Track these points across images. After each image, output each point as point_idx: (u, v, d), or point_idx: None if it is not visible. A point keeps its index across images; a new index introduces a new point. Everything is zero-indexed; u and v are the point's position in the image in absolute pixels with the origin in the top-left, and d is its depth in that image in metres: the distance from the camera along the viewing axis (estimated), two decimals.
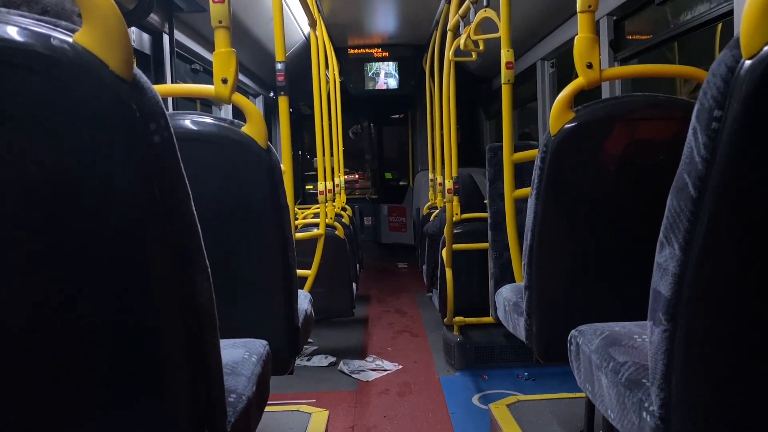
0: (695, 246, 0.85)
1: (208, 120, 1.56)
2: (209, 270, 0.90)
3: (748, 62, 0.76)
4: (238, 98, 1.61)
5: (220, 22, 1.61)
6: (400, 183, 9.13)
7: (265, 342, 1.35)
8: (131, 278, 0.80)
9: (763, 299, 0.85)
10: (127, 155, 0.76)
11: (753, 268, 0.84)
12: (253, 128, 1.54)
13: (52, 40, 0.72)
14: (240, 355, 1.22)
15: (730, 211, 0.83)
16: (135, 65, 0.78)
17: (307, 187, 8.70)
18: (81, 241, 0.77)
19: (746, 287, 0.85)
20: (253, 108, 1.59)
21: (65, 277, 0.78)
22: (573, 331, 1.38)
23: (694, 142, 0.83)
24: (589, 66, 1.59)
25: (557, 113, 1.58)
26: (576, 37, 1.61)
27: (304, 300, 1.91)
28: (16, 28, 0.72)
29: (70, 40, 0.73)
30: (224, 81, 1.58)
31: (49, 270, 0.77)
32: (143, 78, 0.78)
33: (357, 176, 9.32)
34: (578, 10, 1.61)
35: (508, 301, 1.97)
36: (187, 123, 1.53)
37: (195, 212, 0.86)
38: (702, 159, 0.81)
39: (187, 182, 0.84)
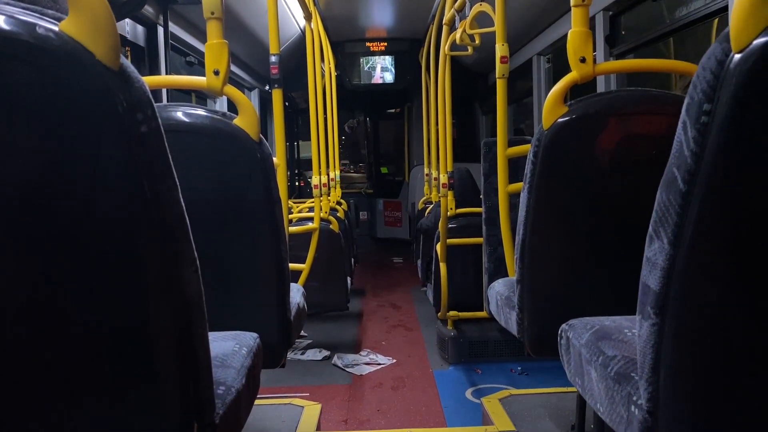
0: (684, 240, 0.85)
1: (199, 112, 1.56)
2: (198, 262, 0.89)
3: (737, 56, 0.76)
4: (230, 90, 1.61)
5: (213, 13, 1.60)
6: (396, 178, 9.12)
7: (255, 335, 1.34)
8: (118, 270, 0.80)
9: (750, 293, 0.85)
10: (114, 145, 0.76)
11: (741, 262, 0.84)
12: (245, 120, 1.53)
13: (37, 28, 0.71)
14: (230, 347, 1.21)
15: (719, 205, 0.83)
16: (123, 55, 0.77)
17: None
18: (66, 232, 0.77)
19: (734, 281, 0.86)
20: (246, 100, 1.59)
21: (51, 269, 0.77)
22: (563, 325, 1.38)
23: (684, 136, 0.83)
24: (583, 60, 1.59)
25: (550, 107, 1.58)
26: (569, 32, 1.61)
27: (296, 293, 1.91)
28: (2, 17, 0.71)
29: (56, 28, 0.72)
30: (216, 73, 1.58)
31: (34, 262, 0.77)
32: (130, 67, 0.77)
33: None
34: (572, 4, 1.61)
35: (501, 296, 1.97)
36: (179, 114, 1.52)
37: (183, 204, 0.85)
38: (691, 153, 0.81)
39: (175, 173, 0.83)
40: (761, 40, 0.74)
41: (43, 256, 0.77)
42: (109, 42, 0.74)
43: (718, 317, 0.88)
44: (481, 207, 3.18)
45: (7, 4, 0.75)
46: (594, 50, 1.65)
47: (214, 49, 1.58)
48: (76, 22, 0.73)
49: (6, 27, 0.71)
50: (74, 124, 0.74)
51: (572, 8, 1.61)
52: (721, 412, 0.90)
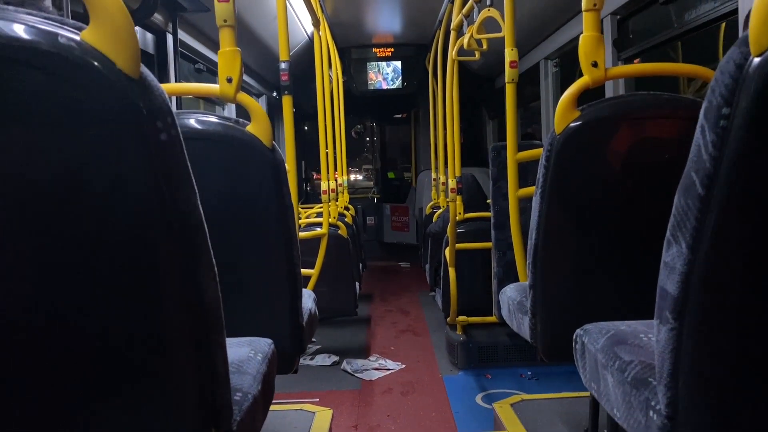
0: (703, 244, 0.85)
1: (212, 119, 1.56)
2: (215, 269, 0.90)
3: (756, 59, 0.76)
4: (243, 97, 1.61)
5: (225, 21, 1.61)
6: (403, 182, 9.13)
7: (270, 341, 1.35)
8: (138, 277, 0.80)
9: None
10: (135, 153, 0.76)
11: (761, 266, 0.84)
12: (257, 127, 1.54)
13: (59, 38, 0.72)
14: (245, 353, 1.22)
15: (739, 209, 0.82)
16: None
17: None
18: (88, 240, 0.77)
19: (754, 285, 0.85)
20: (258, 107, 1.59)
21: (72, 276, 0.78)
22: (578, 330, 1.38)
23: (702, 140, 0.82)
24: (594, 65, 1.59)
25: (562, 112, 1.58)
26: (581, 36, 1.61)
27: (308, 299, 1.91)
28: (23, 26, 0.72)
29: (78, 37, 0.73)
30: (229, 80, 1.58)
31: (55, 268, 0.77)
32: (150, 76, 0.78)
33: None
34: (583, 8, 1.61)
35: (513, 301, 1.97)
36: (192, 122, 1.53)
37: (202, 211, 0.86)
38: (710, 156, 0.81)
39: (194, 181, 0.84)
40: None
41: (63, 262, 0.77)
42: (129, 50, 0.75)
43: (738, 322, 0.87)
44: (488, 212, 3.18)
45: (29, 13, 0.75)
46: None
47: (227, 56, 1.59)
48: (97, 31, 0.74)
49: (28, 36, 0.71)
50: (95, 133, 0.75)
51: (583, 12, 1.61)
52: (742, 419, 0.90)
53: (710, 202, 0.82)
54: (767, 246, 0.83)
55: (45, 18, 0.75)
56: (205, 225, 0.87)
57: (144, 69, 0.77)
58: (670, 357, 0.92)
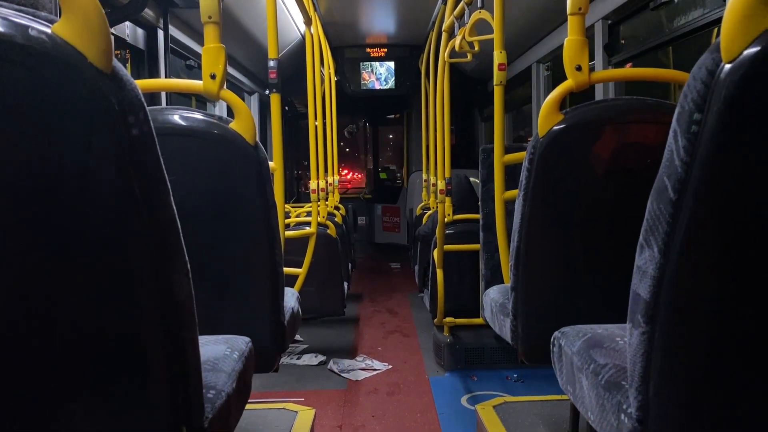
0: (674, 248, 0.85)
1: (195, 115, 1.56)
2: (189, 266, 0.89)
3: (728, 66, 0.76)
4: (227, 94, 1.61)
5: (210, 17, 1.61)
6: (395, 183, 9.13)
7: (247, 339, 1.34)
8: (108, 272, 0.80)
9: (740, 301, 0.85)
10: (106, 148, 0.76)
11: (731, 271, 0.84)
12: (241, 124, 1.54)
13: (29, 30, 0.71)
14: (221, 351, 1.21)
15: (709, 214, 0.83)
16: (122, 58, 0.77)
17: None
18: (57, 236, 0.77)
19: (724, 289, 0.86)
20: (242, 104, 1.59)
21: (39, 270, 0.77)
22: (556, 333, 1.38)
23: (674, 145, 0.83)
24: (578, 68, 1.59)
25: (545, 115, 1.58)
26: (566, 40, 1.61)
27: (291, 298, 1.91)
28: None
29: (49, 30, 0.73)
30: (213, 76, 1.58)
31: (23, 263, 0.76)
32: (122, 70, 0.78)
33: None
34: (568, 12, 1.61)
35: (495, 302, 1.97)
36: (175, 118, 1.52)
37: (176, 207, 0.85)
38: (681, 162, 0.82)
39: (166, 177, 0.83)
40: (751, 50, 0.74)
41: (31, 257, 0.77)
42: (101, 45, 0.74)
43: (708, 326, 0.88)
44: (478, 213, 3.18)
45: (0, 5, 0.75)
46: (593, 59, 1.66)
47: (211, 53, 1.59)
48: (69, 24, 0.73)
49: None
50: (65, 127, 0.74)
51: (569, 17, 1.62)
52: (711, 421, 0.90)
53: (681, 207, 0.83)
54: (737, 250, 0.83)
55: (17, 10, 0.74)
56: (178, 222, 0.86)
57: (116, 63, 0.77)
58: (642, 360, 0.92)
